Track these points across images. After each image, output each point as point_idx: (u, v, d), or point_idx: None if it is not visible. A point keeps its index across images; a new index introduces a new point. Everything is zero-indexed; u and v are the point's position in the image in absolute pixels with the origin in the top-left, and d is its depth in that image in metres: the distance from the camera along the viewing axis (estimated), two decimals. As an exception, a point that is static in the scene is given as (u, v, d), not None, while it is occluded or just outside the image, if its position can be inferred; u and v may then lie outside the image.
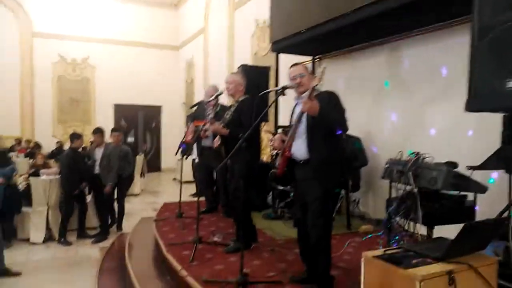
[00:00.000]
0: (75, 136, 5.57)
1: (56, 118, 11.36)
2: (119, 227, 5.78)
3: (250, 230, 3.43)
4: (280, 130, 5.00)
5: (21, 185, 5.49)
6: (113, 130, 5.90)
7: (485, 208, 2.60)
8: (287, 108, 3.13)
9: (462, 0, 2.42)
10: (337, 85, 4.64)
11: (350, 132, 2.85)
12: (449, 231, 2.26)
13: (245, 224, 3.33)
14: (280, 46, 5.08)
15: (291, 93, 2.65)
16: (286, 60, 4.93)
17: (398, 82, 4.22)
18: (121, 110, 11.82)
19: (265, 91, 2.93)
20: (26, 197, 5.32)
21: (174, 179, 10.38)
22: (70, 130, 9.62)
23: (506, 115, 2.27)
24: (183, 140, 4.90)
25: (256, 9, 7.26)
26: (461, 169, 2.46)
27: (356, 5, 3.52)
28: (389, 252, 1.93)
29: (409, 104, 4.06)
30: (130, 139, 11.65)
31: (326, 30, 4.04)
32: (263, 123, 5.57)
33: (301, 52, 5.20)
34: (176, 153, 5.15)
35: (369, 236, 3.64)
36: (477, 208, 2.56)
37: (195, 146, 4.90)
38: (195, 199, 4.40)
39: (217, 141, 3.39)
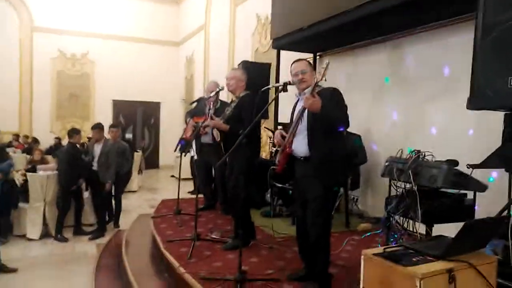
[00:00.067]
0: (74, 132, 5.56)
1: (54, 114, 11.31)
2: (116, 224, 5.77)
3: (248, 227, 3.41)
4: (279, 127, 4.97)
5: (18, 181, 5.47)
6: (111, 126, 5.88)
7: (485, 206, 2.59)
8: (287, 105, 3.11)
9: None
10: (338, 82, 4.61)
11: (351, 129, 2.84)
12: (448, 229, 2.26)
13: (244, 221, 3.31)
14: (281, 43, 5.07)
15: (291, 90, 2.62)
16: (287, 56, 4.90)
17: (399, 80, 4.21)
18: (119, 106, 11.77)
19: (266, 87, 2.88)
20: (23, 192, 5.30)
21: (172, 176, 10.36)
22: (68, 126, 9.60)
23: (508, 113, 2.27)
24: (182, 136, 4.87)
25: (257, 5, 7.22)
26: (461, 167, 2.45)
27: (358, 2, 3.51)
28: (389, 250, 1.92)
29: (410, 102, 4.05)
30: (128, 135, 11.61)
31: (327, 27, 4.03)
32: (263, 120, 5.54)
33: (302, 49, 5.17)
34: (175, 150, 5.13)
35: (368, 234, 3.63)
36: (476, 207, 2.55)
37: (194, 142, 4.87)
38: (193, 196, 4.38)
39: (217, 135, 3.35)
